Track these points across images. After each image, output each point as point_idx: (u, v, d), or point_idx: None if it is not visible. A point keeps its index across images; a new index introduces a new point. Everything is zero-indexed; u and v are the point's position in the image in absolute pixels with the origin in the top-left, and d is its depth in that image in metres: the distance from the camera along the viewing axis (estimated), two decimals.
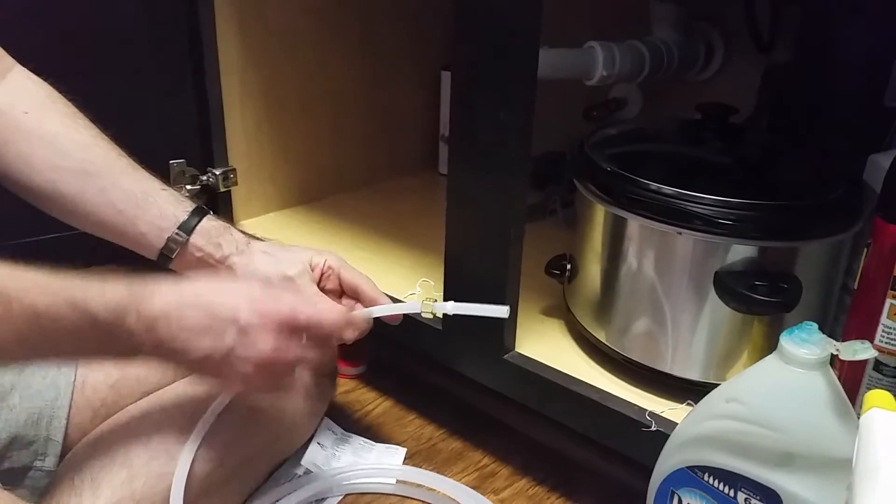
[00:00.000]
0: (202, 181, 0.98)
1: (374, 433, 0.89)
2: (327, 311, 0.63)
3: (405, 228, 1.02)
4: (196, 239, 0.72)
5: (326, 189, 1.13)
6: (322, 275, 0.75)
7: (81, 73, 0.58)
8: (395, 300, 0.79)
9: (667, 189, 0.65)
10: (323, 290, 0.74)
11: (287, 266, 0.72)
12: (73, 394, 0.70)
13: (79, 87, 0.56)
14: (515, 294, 0.72)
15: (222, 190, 0.98)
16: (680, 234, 0.64)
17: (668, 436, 0.59)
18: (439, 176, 1.21)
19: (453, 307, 0.68)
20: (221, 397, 0.68)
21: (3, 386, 0.67)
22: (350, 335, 0.70)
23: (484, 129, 0.67)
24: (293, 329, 0.60)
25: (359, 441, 0.86)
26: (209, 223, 0.74)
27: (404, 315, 0.74)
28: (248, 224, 1.04)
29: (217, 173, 0.97)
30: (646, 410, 0.66)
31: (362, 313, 0.71)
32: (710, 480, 0.54)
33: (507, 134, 0.66)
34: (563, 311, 0.81)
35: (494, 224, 0.70)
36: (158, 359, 0.59)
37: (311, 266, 0.74)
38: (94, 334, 0.53)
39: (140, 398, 0.71)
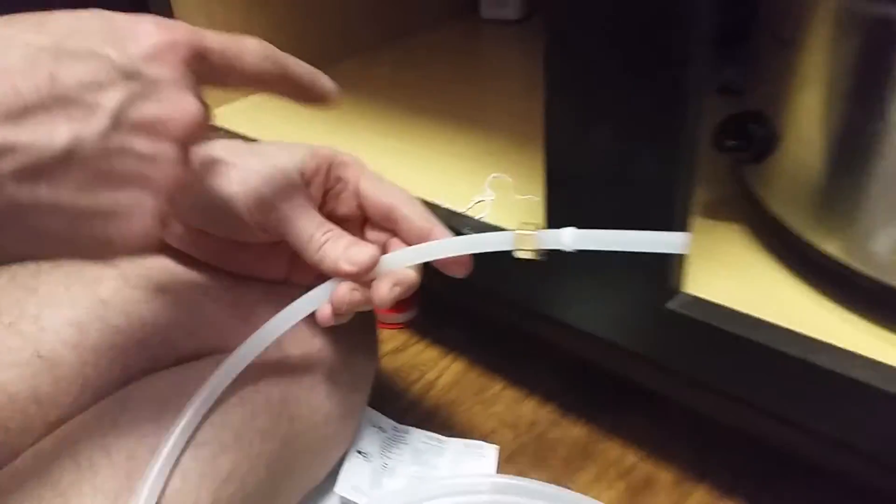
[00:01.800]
0: None
1: (444, 421, 0.59)
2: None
3: (448, 100, 0.74)
4: None
5: (331, 53, 0.86)
6: (327, 192, 0.44)
7: None
8: (454, 224, 0.47)
9: None
10: (330, 216, 0.42)
11: (262, 181, 0.41)
12: None
13: None
14: (686, 202, 0.40)
15: None
16: None
17: None
18: (482, 22, 0.99)
19: (574, 238, 0.36)
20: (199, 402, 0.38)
21: None
22: (386, 292, 0.41)
23: None
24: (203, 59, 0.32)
25: (421, 438, 0.56)
26: None
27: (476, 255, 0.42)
28: (220, 112, 0.74)
29: None
30: None
31: (401, 256, 0.41)
32: None
33: None
34: (745, 212, 0.48)
35: (656, 72, 0.36)
36: None
37: (304, 174, 0.42)
38: None
39: (45, 433, 0.42)
